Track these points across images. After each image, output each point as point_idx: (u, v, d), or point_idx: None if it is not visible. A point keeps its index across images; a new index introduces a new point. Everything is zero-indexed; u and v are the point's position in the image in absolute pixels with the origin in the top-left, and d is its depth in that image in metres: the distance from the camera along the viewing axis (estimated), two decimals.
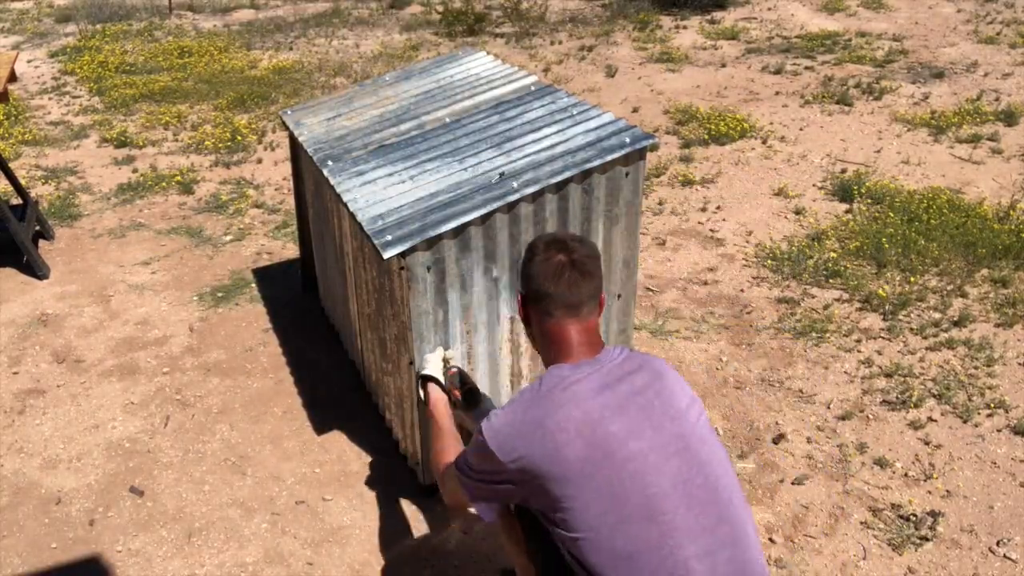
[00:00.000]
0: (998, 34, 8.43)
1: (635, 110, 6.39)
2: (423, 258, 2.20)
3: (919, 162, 5.22)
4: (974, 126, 5.78)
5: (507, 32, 9.30)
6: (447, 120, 2.76)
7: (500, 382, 2.52)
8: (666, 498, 1.45)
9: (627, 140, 2.35)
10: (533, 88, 2.85)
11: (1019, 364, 3.24)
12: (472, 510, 1.79)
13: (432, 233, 2.16)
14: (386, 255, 2.12)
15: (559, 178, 2.26)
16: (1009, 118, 5.86)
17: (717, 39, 8.67)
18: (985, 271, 3.87)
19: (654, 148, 5.56)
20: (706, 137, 5.69)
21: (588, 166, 2.28)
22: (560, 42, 8.74)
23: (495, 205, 2.21)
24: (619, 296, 2.58)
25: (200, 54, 8.39)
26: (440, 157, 2.52)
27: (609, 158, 2.30)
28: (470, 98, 2.88)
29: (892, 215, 4.35)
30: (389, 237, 2.16)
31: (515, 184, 2.26)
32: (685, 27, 9.28)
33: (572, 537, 1.47)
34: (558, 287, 1.59)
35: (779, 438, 2.87)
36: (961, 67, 7.33)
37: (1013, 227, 4.16)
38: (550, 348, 1.63)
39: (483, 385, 2.49)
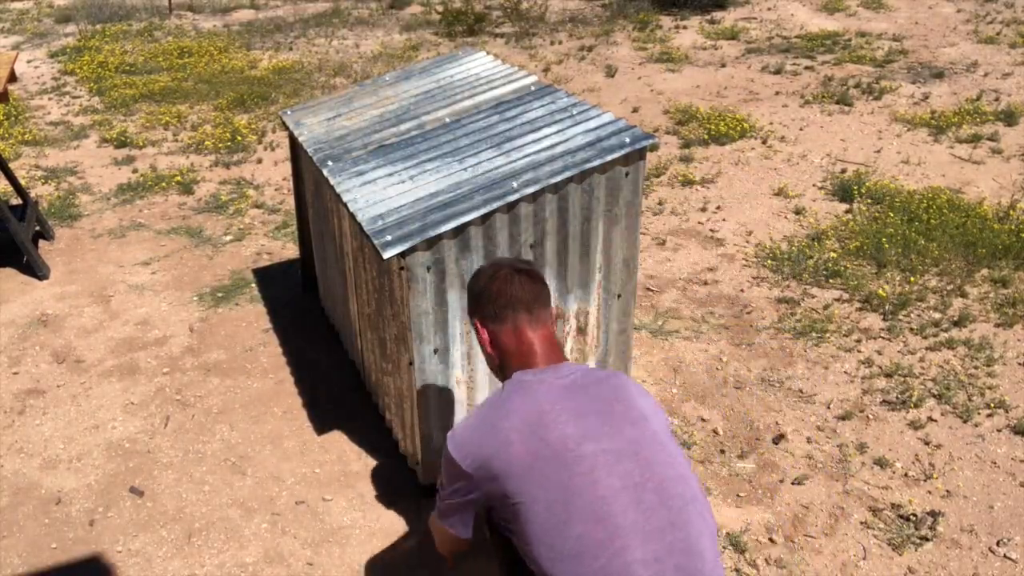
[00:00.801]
0: (998, 34, 8.43)
1: (635, 110, 6.39)
2: (423, 258, 2.20)
3: (919, 162, 5.22)
4: (974, 126, 5.78)
5: (507, 32, 9.29)
6: (447, 120, 2.76)
7: (497, 383, 2.51)
8: (615, 500, 1.44)
9: (627, 140, 2.35)
10: (533, 88, 2.85)
11: (1019, 364, 3.24)
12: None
13: (432, 233, 2.16)
14: (386, 255, 2.12)
15: (559, 178, 2.26)
16: (1009, 118, 5.86)
17: (717, 39, 8.67)
18: (985, 271, 3.87)
19: (654, 148, 5.56)
20: (706, 137, 5.69)
21: (588, 166, 2.28)
22: (560, 42, 8.74)
23: (495, 205, 2.21)
24: (619, 296, 2.58)
25: (200, 54, 8.39)
26: (440, 157, 2.52)
27: (609, 158, 2.30)
28: (470, 98, 2.88)
29: (892, 215, 4.35)
30: (389, 237, 2.16)
31: (515, 184, 2.26)
32: (685, 27, 9.28)
33: (526, 539, 1.47)
34: (511, 289, 1.67)
35: (779, 438, 2.87)
36: (961, 67, 7.33)
37: (1013, 227, 4.16)
38: (512, 358, 1.67)
39: (481, 385, 2.49)
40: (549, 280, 2.44)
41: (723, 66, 7.65)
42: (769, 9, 10.05)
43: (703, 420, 2.96)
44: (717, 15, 9.77)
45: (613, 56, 8.10)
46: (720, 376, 3.21)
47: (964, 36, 8.48)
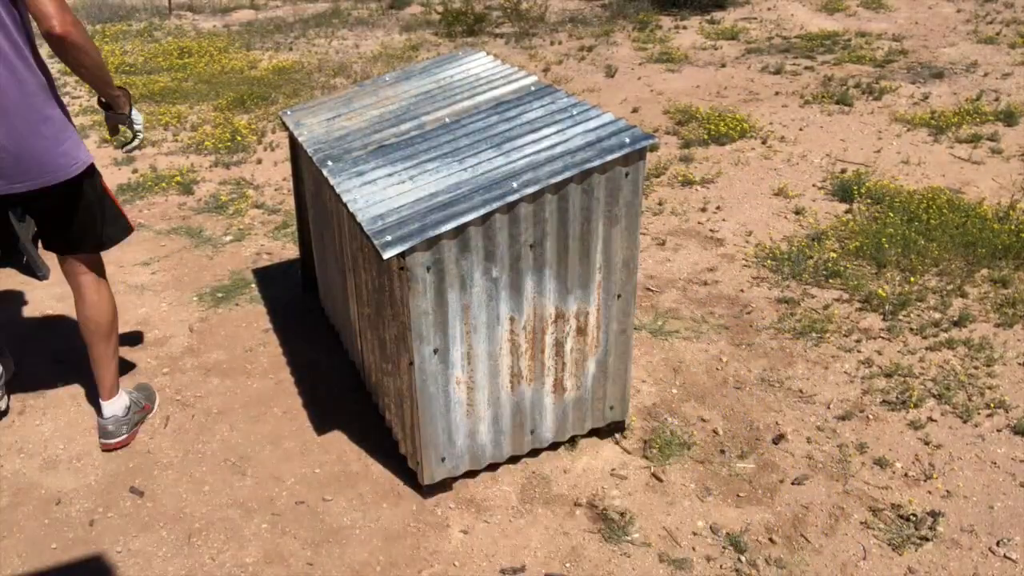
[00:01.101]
0: (998, 34, 8.44)
1: (635, 110, 6.39)
2: (423, 258, 2.20)
3: (919, 162, 5.23)
4: (974, 126, 5.78)
5: (507, 32, 9.30)
6: (447, 120, 2.76)
7: (500, 383, 2.52)
8: None
9: (627, 140, 2.35)
10: (533, 88, 2.85)
11: (1019, 364, 3.24)
12: None
13: (432, 233, 2.16)
14: (386, 255, 2.12)
15: (559, 178, 2.26)
16: (1009, 118, 5.86)
17: (717, 39, 8.67)
18: (985, 271, 3.88)
19: (654, 148, 5.56)
20: (706, 137, 5.69)
21: (588, 166, 2.28)
22: (560, 42, 8.75)
23: (495, 205, 2.21)
24: (619, 296, 2.58)
25: (200, 54, 8.39)
26: (440, 157, 2.52)
27: (609, 158, 2.30)
28: (470, 98, 2.88)
29: (892, 215, 4.35)
30: (389, 237, 2.16)
31: (515, 184, 2.26)
32: (685, 27, 9.28)
33: None
34: None
35: (779, 438, 2.87)
36: (961, 67, 7.34)
37: (1013, 227, 4.16)
38: None
39: (481, 385, 2.49)
40: (549, 281, 2.44)
41: (723, 66, 7.65)
42: (769, 9, 10.05)
43: (703, 420, 2.96)
44: (717, 15, 9.78)
45: (613, 56, 8.11)
46: (720, 376, 3.21)
47: (964, 36, 8.48)
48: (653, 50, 8.23)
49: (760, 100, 6.60)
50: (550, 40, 8.84)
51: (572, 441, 2.82)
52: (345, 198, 2.40)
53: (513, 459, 2.73)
